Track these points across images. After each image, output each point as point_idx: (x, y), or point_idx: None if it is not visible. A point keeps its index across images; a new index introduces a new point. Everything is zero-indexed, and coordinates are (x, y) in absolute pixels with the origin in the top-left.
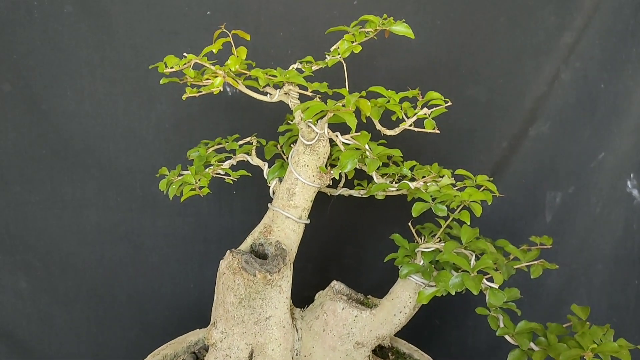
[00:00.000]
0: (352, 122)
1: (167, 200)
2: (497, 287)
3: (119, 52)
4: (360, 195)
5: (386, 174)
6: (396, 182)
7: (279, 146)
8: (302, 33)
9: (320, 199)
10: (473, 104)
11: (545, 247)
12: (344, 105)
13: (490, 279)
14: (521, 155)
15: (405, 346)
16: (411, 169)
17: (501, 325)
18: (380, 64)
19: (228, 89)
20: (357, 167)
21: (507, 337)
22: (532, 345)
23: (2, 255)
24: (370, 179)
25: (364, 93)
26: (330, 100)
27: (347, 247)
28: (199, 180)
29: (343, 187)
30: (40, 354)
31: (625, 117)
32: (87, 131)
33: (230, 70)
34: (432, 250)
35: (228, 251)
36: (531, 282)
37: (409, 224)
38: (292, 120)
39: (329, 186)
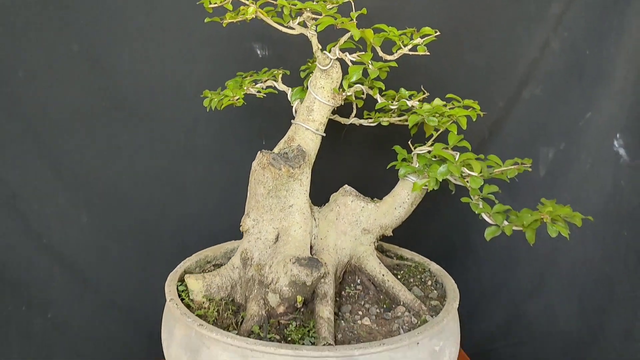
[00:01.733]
0: (355, 33)
1: (207, 148)
2: (476, 175)
3: (164, 18)
4: (368, 124)
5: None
6: (396, 102)
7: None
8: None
9: (330, 145)
10: (473, 69)
11: (525, 166)
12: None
13: (470, 169)
14: (516, 115)
15: (408, 253)
16: (409, 97)
17: (480, 206)
18: None
19: (259, 52)
20: (367, 93)
21: (484, 216)
22: (505, 222)
23: (67, 193)
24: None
25: (364, 11)
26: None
27: None
28: (235, 94)
29: (354, 116)
30: (97, 282)
31: (610, 81)
32: (140, 87)
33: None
34: (425, 155)
35: (259, 151)
36: (525, 239)
37: (409, 142)
38: (310, 62)
39: (339, 111)
